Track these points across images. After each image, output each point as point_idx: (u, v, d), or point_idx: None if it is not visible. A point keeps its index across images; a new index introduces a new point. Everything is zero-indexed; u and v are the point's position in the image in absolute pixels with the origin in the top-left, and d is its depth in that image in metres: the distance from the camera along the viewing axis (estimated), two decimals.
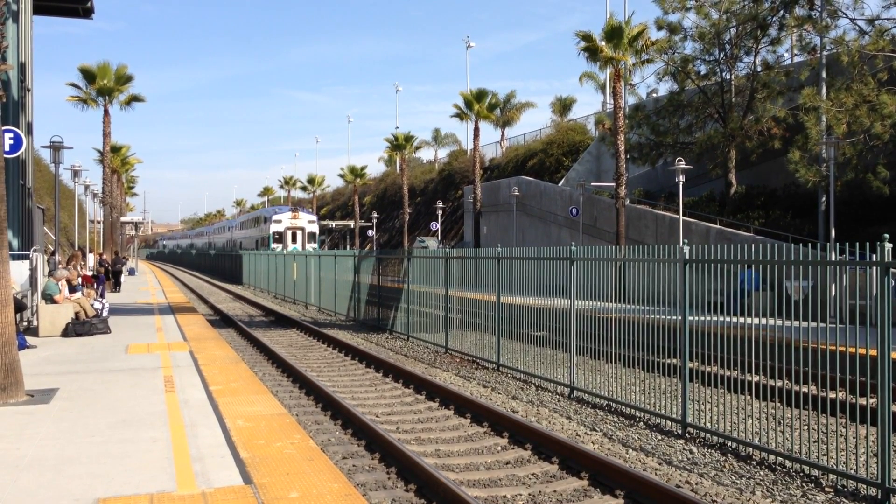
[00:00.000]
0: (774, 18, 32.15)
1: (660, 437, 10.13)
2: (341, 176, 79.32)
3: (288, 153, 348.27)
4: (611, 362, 12.12)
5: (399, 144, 62.08)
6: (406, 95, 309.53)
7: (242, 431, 8.31)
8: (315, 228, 61.24)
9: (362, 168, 76.04)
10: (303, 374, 14.54)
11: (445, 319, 18.61)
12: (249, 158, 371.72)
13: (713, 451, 9.46)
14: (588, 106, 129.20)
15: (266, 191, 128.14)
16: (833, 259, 8.83)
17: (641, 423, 10.86)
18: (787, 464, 8.70)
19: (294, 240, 58.45)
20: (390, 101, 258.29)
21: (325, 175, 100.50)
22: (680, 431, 10.25)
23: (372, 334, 22.33)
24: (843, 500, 7.79)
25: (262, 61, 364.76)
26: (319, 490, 6.32)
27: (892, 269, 7.66)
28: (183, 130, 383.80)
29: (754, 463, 8.93)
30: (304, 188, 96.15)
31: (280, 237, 58.70)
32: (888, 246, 7.68)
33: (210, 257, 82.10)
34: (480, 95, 47.19)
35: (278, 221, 59.49)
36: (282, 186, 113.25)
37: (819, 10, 27.42)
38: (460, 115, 48.50)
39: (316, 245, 60.06)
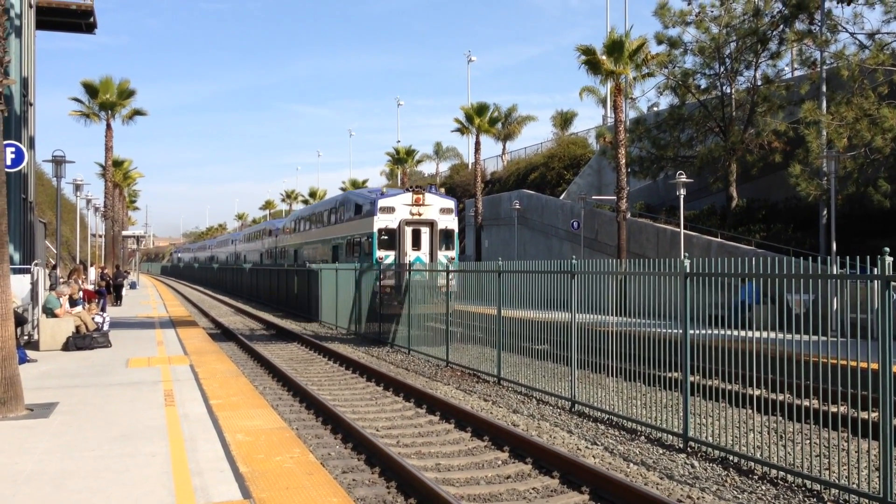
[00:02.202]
0: (774, 33, 32.28)
1: (661, 452, 10.09)
2: (343, 189, 79.48)
3: (290, 167, 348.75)
4: (612, 376, 12.09)
5: (400, 158, 62.16)
6: (408, 109, 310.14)
7: (242, 445, 8.28)
8: (453, 223, 31.63)
9: (364, 182, 76.26)
10: (303, 387, 14.51)
11: (447, 333, 18.58)
12: (251, 172, 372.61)
13: (715, 465, 9.42)
14: (589, 119, 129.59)
15: (268, 204, 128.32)
16: (834, 273, 8.82)
17: (643, 437, 10.82)
18: (789, 478, 8.66)
19: (417, 243, 30.58)
20: (392, 115, 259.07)
21: (327, 189, 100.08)
22: (681, 445, 10.20)
23: (373, 348, 22.30)
24: None
25: (265, 75, 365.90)
26: None
27: (892, 283, 7.65)
28: (185, 144, 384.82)
29: (756, 477, 8.88)
30: (305, 202, 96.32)
31: (391, 238, 30.49)
32: (889, 259, 7.67)
33: (244, 275, 57.10)
34: (481, 109, 47.30)
35: (388, 210, 30.94)
36: (283, 200, 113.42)
37: (819, 24, 27.51)
38: (461, 129, 48.59)
39: (454, 253, 31.13)
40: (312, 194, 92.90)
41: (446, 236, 30.79)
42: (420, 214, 30.59)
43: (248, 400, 11.18)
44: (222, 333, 27.40)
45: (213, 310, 40.85)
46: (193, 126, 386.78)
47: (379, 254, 29.37)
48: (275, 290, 43.66)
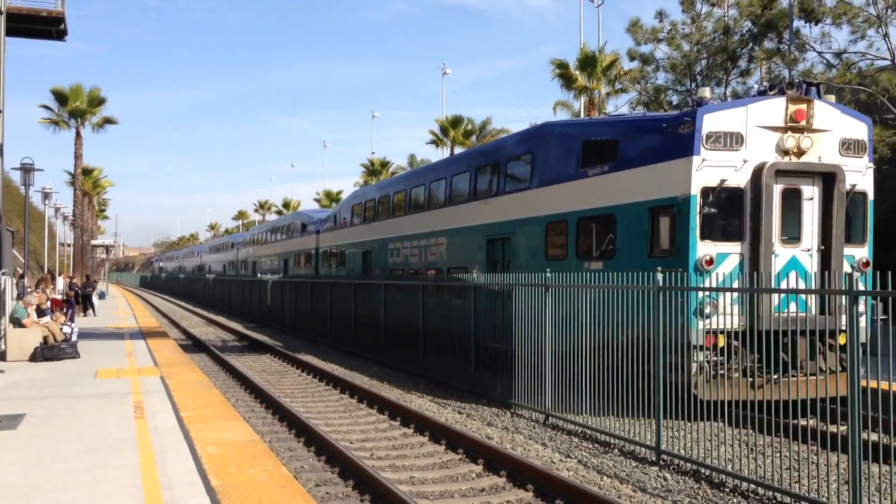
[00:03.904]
0: (744, 51, 32.79)
1: (634, 464, 10.13)
2: (317, 200, 79.33)
3: (263, 177, 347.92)
4: (586, 388, 12.10)
5: (375, 170, 62.28)
6: (383, 121, 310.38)
7: (214, 458, 8.20)
8: (866, 177, 13.48)
9: (338, 193, 76.17)
10: (276, 399, 14.41)
11: (420, 345, 18.55)
12: (224, 182, 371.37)
13: (687, 478, 9.48)
14: None
15: (241, 214, 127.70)
16: (804, 288, 8.94)
17: (616, 450, 10.85)
18: (760, 491, 8.73)
19: (794, 225, 13.07)
20: (367, 127, 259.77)
21: (301, 200, 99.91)
22: (654, 458, 10.25)
23: (347, 359, 22.19)
24: None
25: (241, 86, 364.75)
26: None
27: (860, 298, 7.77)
28: (157, 153, 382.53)
29: (727, 490, 8.95)
30: (279, 212, 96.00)
31: (731, 211, 13.00)
32: (856, 275, 7.81)
33: (271, 291, 35.86)
34: (456, 122, 47.59)
35: (725, 142, 12.73)
36: (256, 210, 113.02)
37: (787, 43, 28.00)
38: (436, 141, 48.84)
39: (867, 251, 13.43)
40: (286, 205, 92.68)
41: (856, 209, 13.77)
42: (800, 152, 13.15)
43: (220, 412, 11.08)
44: (193, 344, 27.11)
45: (183, 320, 40.39)
46: (166, 135, 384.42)
47: (703, 250, 12.70)
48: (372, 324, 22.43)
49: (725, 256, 12.68)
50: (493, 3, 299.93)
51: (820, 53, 27.50)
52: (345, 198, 36.03)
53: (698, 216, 12.61)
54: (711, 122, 12.75)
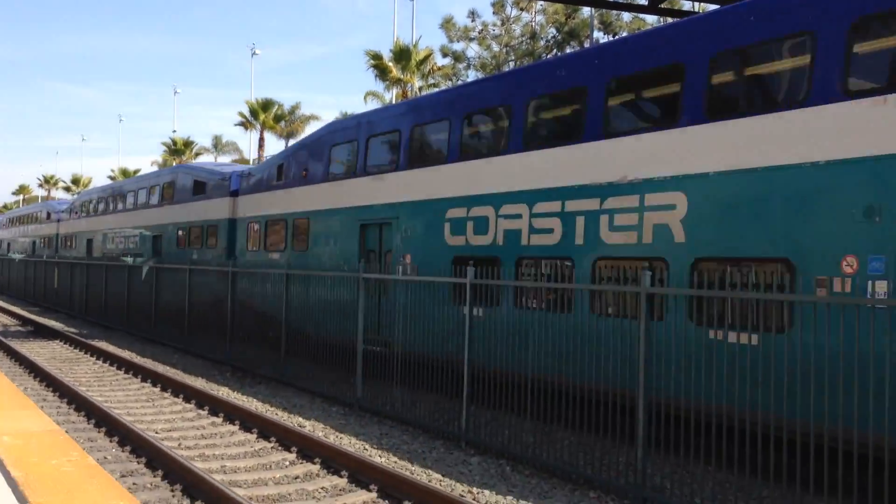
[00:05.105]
0: (549, 56, 34.64)
1: (444, 450, 10.57)
2: (112, 178, 74.82)
3: (49, 150, 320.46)
4: (396, 379, 12.43)
5: (177, 149, 59.78)
6: (186, 98, 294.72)
7: (12, 449, 7.71)
8: None
9: (136, 171, 72.35)
10: (71, 388, 13.65)
11: (228, 331, 18.16)
12: (1, 154, 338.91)
13: (491, 460, 10.03)
14: None
15: (22, 189, 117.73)
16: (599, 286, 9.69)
17: (426, 436, 11.26)
18: (558, 473, 9.44)
19: None
20: (168, 103, 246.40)
21: (93, 177, 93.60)
22: (462, 445, 10.76)
23: (146, 346, 21.28)
24: (610, 500, 8.61)
25: (21, 48, 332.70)
26: None
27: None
28: None
29: (527, 473, 9.58)
30: (67, 189, 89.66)
31: None
32: (647, 274, 8.64)
33: None
34: (267, 105, 46.73)
35: None
36: (41, 185, 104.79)
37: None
38: (245, 124, 47.71)
39: None
40: (76, 181, 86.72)
41: None
42: None
43: (11, 400, 10.34)
44: None
45: None
46: None
47: None
48: None
49: None
50: None
51: None
52: (303, 137, 22.53)
53: None
54: None
